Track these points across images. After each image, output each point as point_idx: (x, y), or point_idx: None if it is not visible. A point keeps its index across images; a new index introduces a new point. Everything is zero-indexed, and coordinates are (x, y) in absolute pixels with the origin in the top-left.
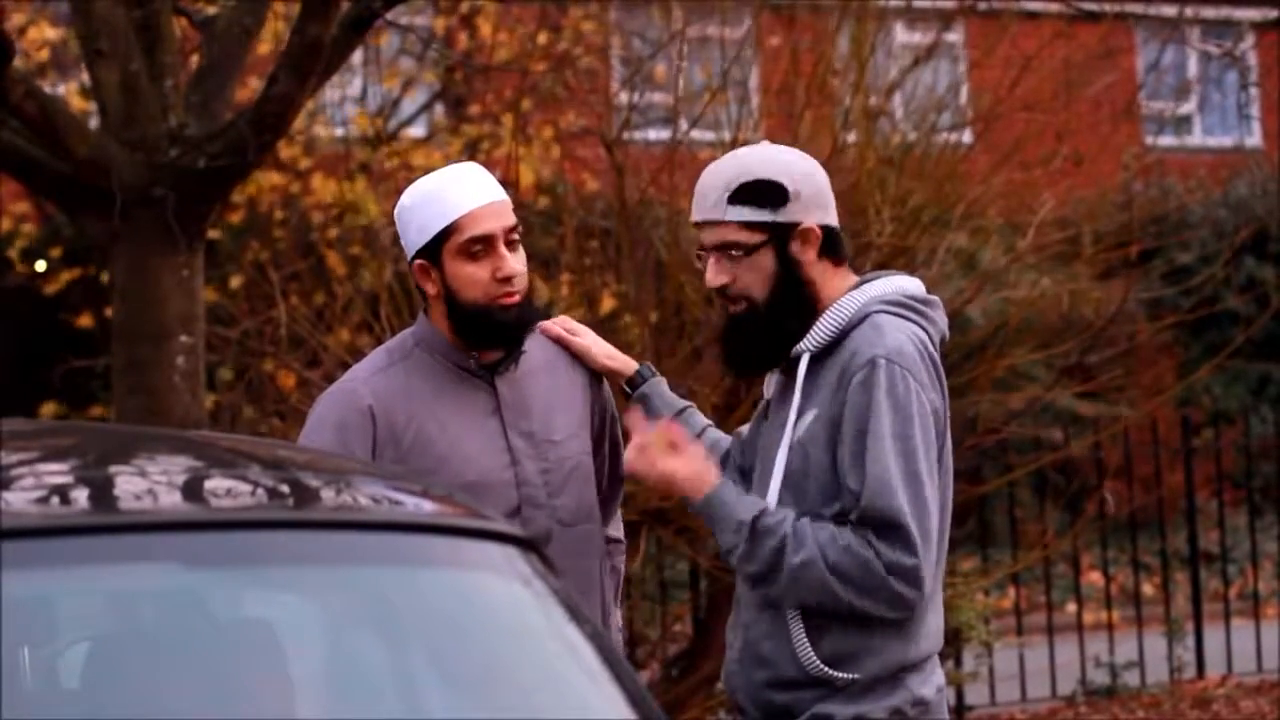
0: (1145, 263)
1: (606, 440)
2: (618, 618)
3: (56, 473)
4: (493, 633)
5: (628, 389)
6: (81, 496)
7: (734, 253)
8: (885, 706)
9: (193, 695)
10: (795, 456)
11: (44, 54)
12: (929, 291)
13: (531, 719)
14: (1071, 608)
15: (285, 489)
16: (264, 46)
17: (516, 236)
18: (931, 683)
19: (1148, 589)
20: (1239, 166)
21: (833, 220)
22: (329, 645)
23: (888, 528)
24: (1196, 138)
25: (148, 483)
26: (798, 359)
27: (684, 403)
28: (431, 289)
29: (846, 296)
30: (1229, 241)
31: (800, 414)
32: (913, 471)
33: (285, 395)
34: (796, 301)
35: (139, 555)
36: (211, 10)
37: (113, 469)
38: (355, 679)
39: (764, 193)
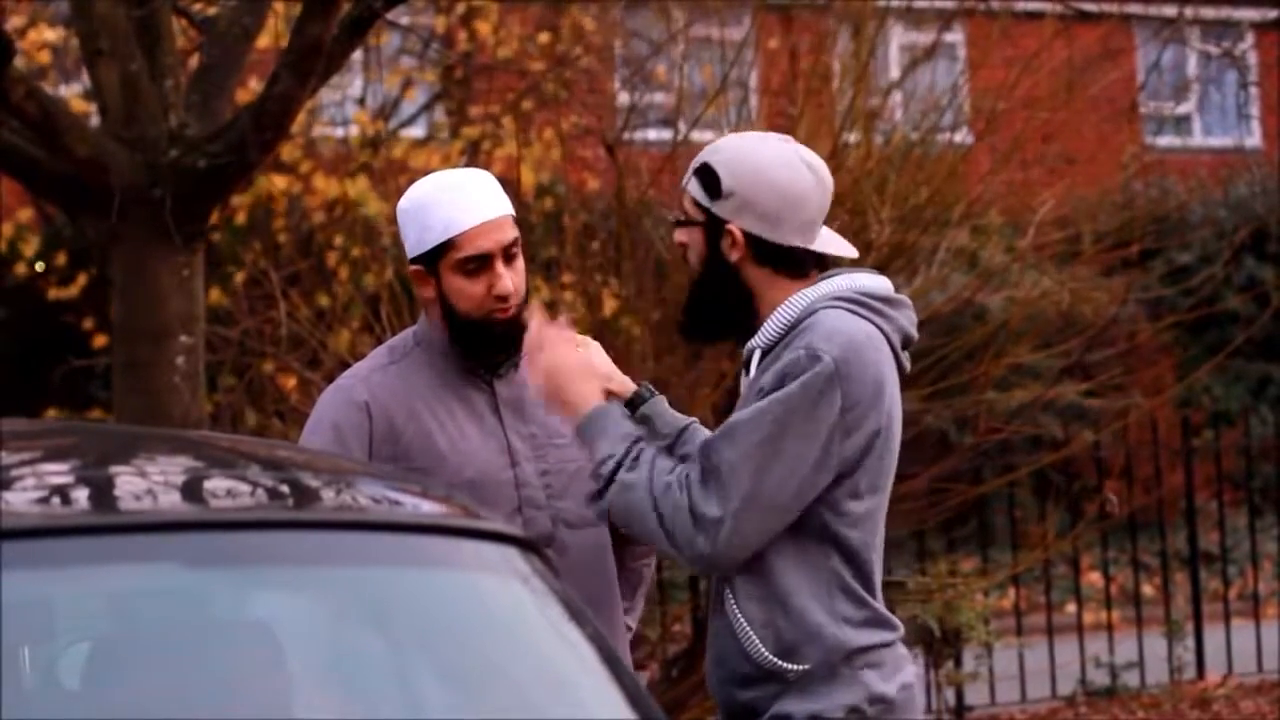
0: (1145, 262)
1: None
2: (633, 619)
3: (56, 473)
4: (492, 633)
5: (628, 410)
6: (81, 496)
7: (683, 220)
8: (841, 704)
9: (193, 695)
10: None
11: (44, 56)
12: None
13: (531, 719)
14: (1071, 608)
15: (285, 489)
16: (264, 41)
17: (516, 250)
18: (895, 680)
19: (1148, 589)
20: (1239, 166)
21: (772, 236)
22: (329, 645)
23: (709, 473)
24: (1196, 137)
25: (148, 483)
26: (751, 356)
27: (687, 419)
28: (428, 294)
29: (798, 294)
30: (1229, 241)
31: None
32: (776, 448)
33: (285, 396)
34: (720, 290)
35: (139, 555)
36: (211, 10)
37: (113, 469)
38: (355, 679)
39: (706, 179)
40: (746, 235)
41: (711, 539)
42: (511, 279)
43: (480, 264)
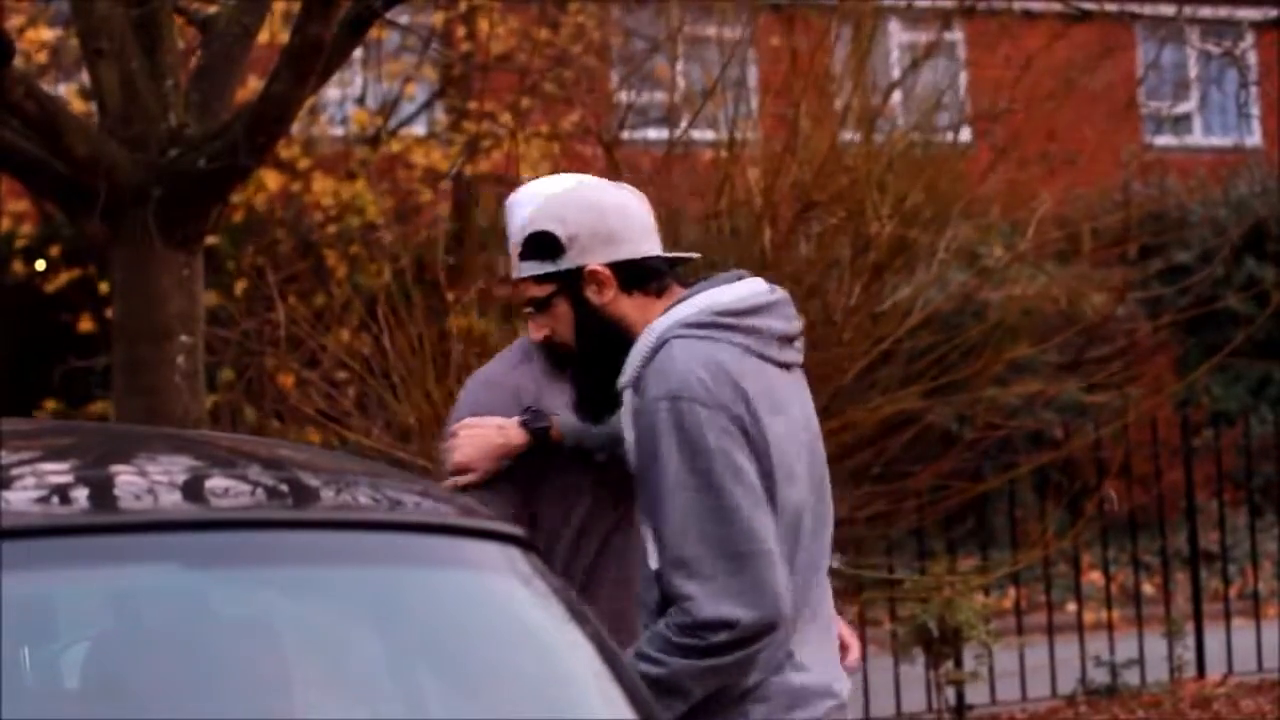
0: (1144, 261)
1: None
2: None
3: (56, 473)
4: (493, 632)
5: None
6: (81, 496)
7: (538, 310)
8: None
9: (193, 695)
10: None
11: (43, 56)
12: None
13: (531, 719)
14: (1071, 607)
15: (285, 489)
16: (263, 40)
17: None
18: (790, 715)
19: (1148, 589)
20: (1239, 166)
21: (630, 253)
22: (329, 645)
23: (681, 581)
24: (1196, 137)
25: (148, 483)
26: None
27: (602, 428)
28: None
29: (654, 323)
30: (1228, 240)
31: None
32: (719, 505)
33: (285, 395)
34: (604, 342)
35: (139, 555)
36: (211, 10)
37: (113, 469)
38: (355, 679)
39: (540, 245)
40: (609, 267)
41: (727, 622)
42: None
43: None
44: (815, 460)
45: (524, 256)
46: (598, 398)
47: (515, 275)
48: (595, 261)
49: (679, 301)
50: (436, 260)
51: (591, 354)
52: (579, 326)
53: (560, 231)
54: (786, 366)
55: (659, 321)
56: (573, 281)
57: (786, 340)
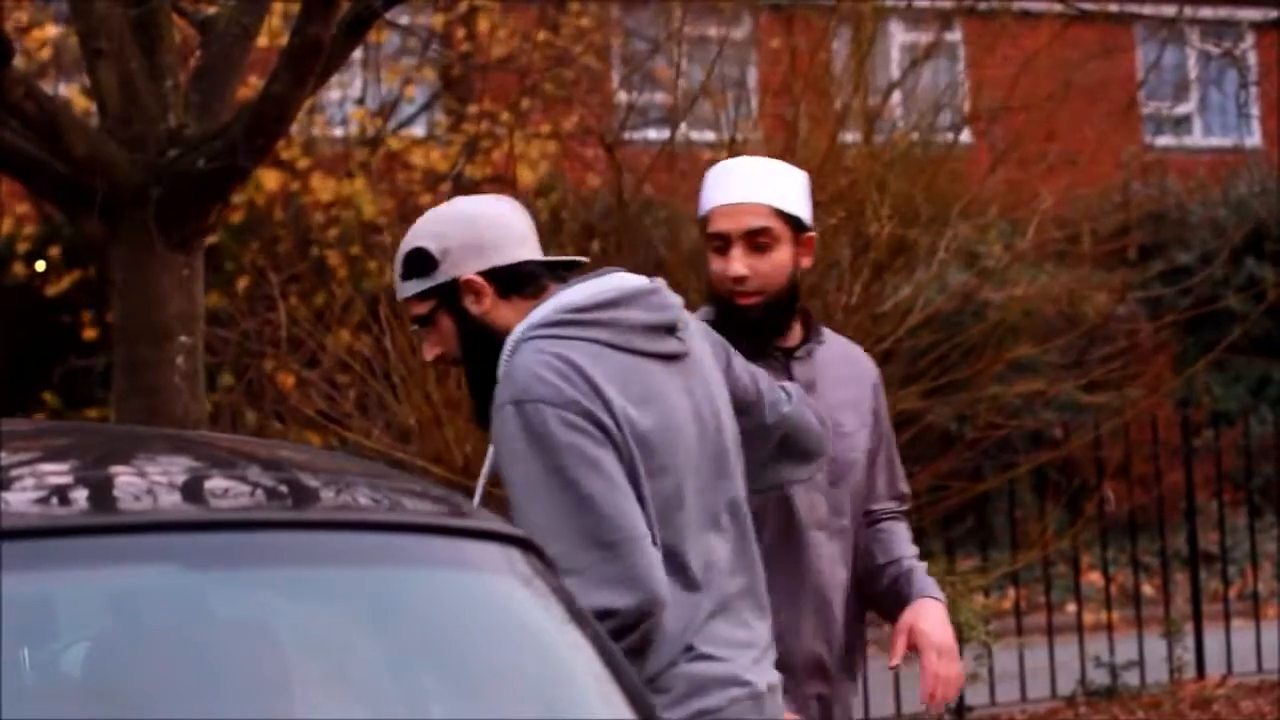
0: (1144, 261)
1: (883, 443)
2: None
3: (56, 473)
4: (493, 633)
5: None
6: (81, 496)
7: (423, 326)
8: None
9: (192, 695)
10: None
11: (45, 53)
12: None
13: (531, 719)
14: (1071, 608)
15: (285, 489)
16: (263, 41)
17: (765, 240)
18: (689, 705)
19: (1148, 589)
20: (1238, 166)
21: (503, 259)
22: (328, 646)
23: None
24: (1196, 137)
25: (148, 483)
26: None
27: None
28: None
29: (515, 329)
30: (1228, 241)
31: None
32: (579, 498)
33: (285, 396)
34: (488, 351)
35: (139, 555)
36: (210, 10)
37: (113, 469)
38: (355, 679)
39: (417, 263)
40: (483, 275)
41: (627, 595)
42: (751, 266)
43: (723, 244)
44: (710, 447)
45: (404, 277)
46: (477, 415)
47: (400, 296)
48: (469, 272)
49: (538, 305)
50: None
51: (478, 364)
52: (462, 338)
53: (433, 246)
54: (666, 357)
55: (517, 327)
56: (450, 294)
57: (659, 330)
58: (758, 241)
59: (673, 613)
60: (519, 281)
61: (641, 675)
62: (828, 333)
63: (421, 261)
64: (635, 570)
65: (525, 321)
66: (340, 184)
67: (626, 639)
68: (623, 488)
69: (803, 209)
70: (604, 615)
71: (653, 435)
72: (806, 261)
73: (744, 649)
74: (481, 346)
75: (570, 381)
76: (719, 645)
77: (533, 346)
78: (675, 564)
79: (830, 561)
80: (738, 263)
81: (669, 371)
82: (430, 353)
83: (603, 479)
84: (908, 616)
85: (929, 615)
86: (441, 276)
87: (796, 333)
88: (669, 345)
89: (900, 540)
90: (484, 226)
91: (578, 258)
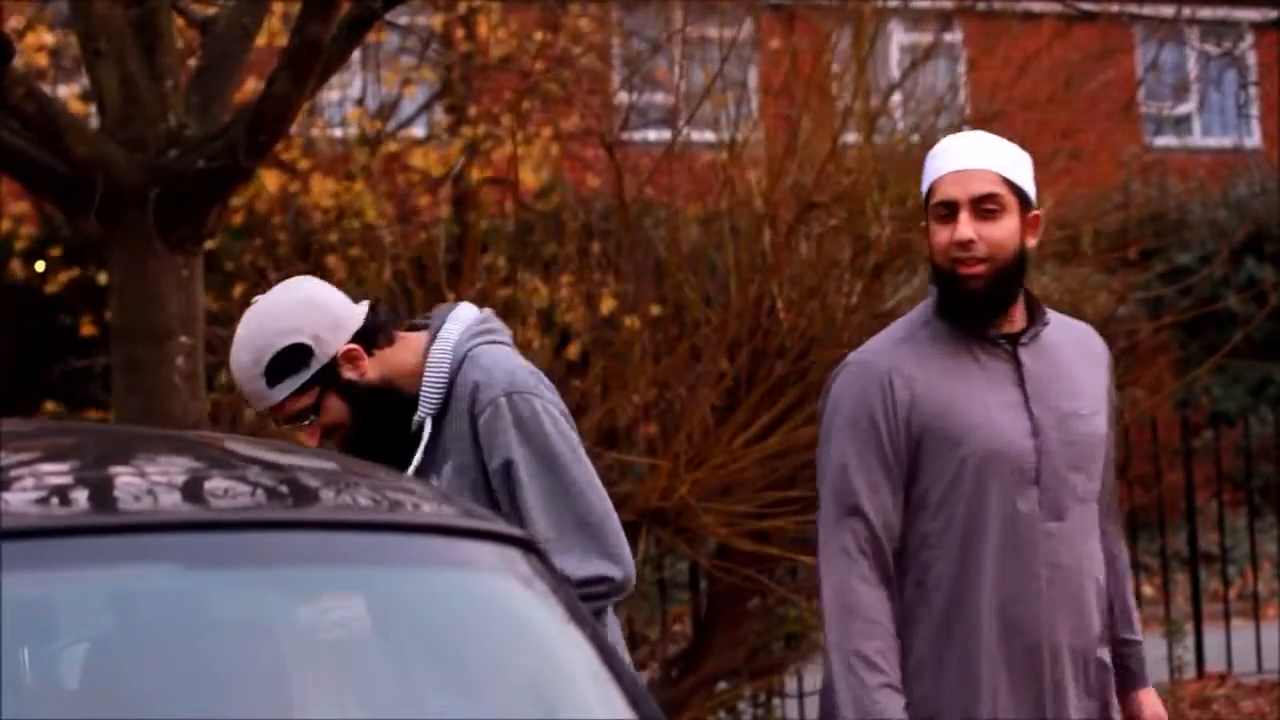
0: (1145, 262)
1: (1111, 428)
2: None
3: (56, 473)
4: (493, 633)
5: None
6: (81, 496)
7: (307, 421)
8: None
9: (192, 695)
10: None
11: (42, 58)
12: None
13: (531, 719)
14: None
15: (285, 489)
16: (262, 41)
17: (993, 207)
18: None
19: (1148, 589)
20: (1238, 166)
21: (356, 322)
22: (328, 646)
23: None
24: (1196, 138)
25: (148, 483)
26: (420, 427)
27: None
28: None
29: (434, 352)
30: (1228, 241)
31: (435, 472)
32: (567, 483)
33: None
34: (380, 406)
35: (139, 555)
36: (210, 10)
37: (113, 469)
38: (355, 679)
39: (289, 361)
40: (355, 343)
41: (614, 567)
42: (978, 232)
43: (949, 211)
44: None
45: (275, 381)
46: (402, 448)
47: (272, 402)
48: (340, 346)
49: (436, 329)
50: (437, 261)
51: (375, 422)
52: (355, 408)
53: (301, 339)
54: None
55: (440, 346)
56: (330, 374)
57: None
58: (985, 208)
59: None
60: (375, 332)
61: None
62: (1054, 315)
63: (295, 357)
64: (621, 547)
65: (447, 341)
66: (339, 186)
67: (603, 602)
68: (594, 471)
69: (1030, 185)
70: (599, 581)
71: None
72: (1031, 241)
73: None
74: (375, 405)
75: (538, 377)
76: None
77: (485, 350)
78: None
79: (1079, 538)
80: (965, 225)
81: None
82: (314, 437)
83: (581, 464)
84: (1134, 710)
85: (1151, 705)
86: (318, 363)
87: (1019, 318)
88: None
89: (1126, 601)
90: (325, 303)
91: (368, 301)
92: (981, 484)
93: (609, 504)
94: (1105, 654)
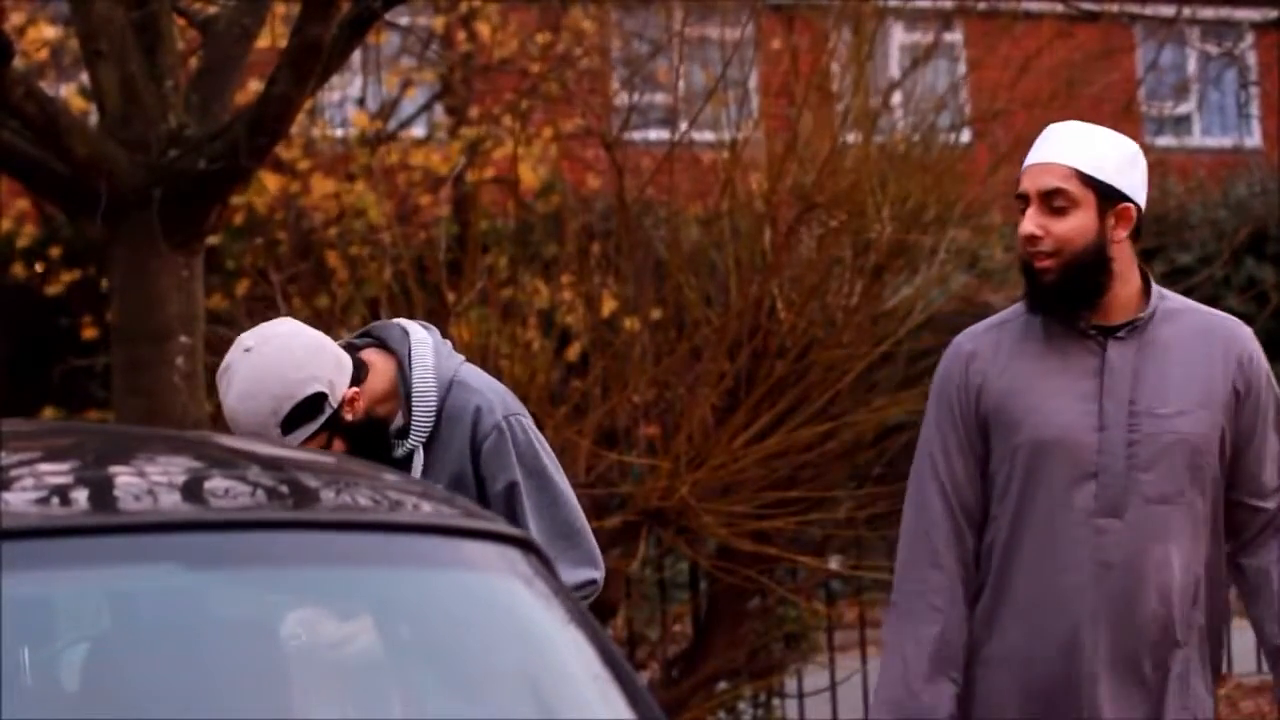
0: (1145, 262)
1: (1258, 423)
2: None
3: (56, 473)
4: (493, 633)
5: None
6: (81, 497)
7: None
8: None
9: (192, 696)
10: None
11: (44, 54)
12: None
13: (531, 719)
14: None
15: (285, 489)
16: (263, 41)
17: (1062, 203)
18: None
19: None
20: (1238, 167)
21: (349, 362)
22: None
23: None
24: (1196, 138)
25: (148, 483)
26: (410, 454)
27: None
28: None
29: (418, 380)
30: (1228, 242)
31: None
32: (555, 495)
33: None
34: (372, 436)
35: (139, 555)
36: (211, 11)
37: (113, 469)
38: (355, 679)
39: (310, 409)
40: (351, 386)
41: (595, 571)
42: (1045, 226)
43: (1024, 204)
44: None
45: (292, 428)
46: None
47: (292, 445)
48: (345, 390)
49: (409, 353)
50: (437, 261)
51: (364, 454)
52: (354, 445)
53: (320, 388)
54: None
55: (421, 372)
56: (335, 418)
57: None
58: (1053, 204)
59: None
60: (359, 371)
61: None
62: (1187, 306)
63: (316, 405)
64: (596, 550)
65: (425, 366)
66: (340, 186)
67: (586, 603)
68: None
69: (1118, 177)
70: (588, 585)
71: None
72: (1120, 232)
73: None
74: (368, 437)
75: (513, 396)
76: None
77: (468, 371)
78: None
79: (1146, 540)
80: (1030, 221)
81: None
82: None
83: (560, 474)
84: None
85: None
86: (330, 406)
87: (1128, 309)
88: None
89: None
90: (327, 346)
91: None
92: (1032, 472)
93: (581, 509)
94: (1188, 659)
